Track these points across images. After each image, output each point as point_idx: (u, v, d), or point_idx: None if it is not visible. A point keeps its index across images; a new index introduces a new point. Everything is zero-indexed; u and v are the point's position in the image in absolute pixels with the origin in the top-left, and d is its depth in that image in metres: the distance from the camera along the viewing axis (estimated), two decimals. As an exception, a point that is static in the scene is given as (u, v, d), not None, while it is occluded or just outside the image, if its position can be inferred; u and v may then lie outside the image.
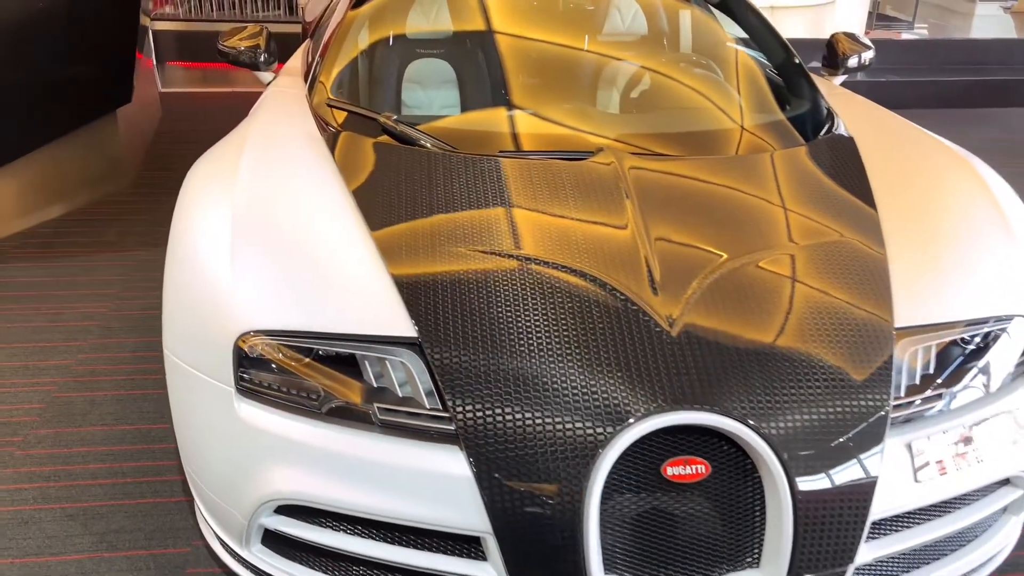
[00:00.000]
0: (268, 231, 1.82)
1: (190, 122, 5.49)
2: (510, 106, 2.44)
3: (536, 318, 1.62)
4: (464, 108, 2.52)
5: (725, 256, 1.79)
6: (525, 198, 1.93)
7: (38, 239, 3.65)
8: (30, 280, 3.27)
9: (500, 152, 2.15)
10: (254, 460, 1.65)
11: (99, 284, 3.26)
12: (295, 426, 1.61)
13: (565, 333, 1.59)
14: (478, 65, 2.61)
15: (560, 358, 1.55)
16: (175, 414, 1.84)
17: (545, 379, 1.52)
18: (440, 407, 1.55)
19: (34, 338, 2.87)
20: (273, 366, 1.64)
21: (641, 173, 2.03)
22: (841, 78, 2.93)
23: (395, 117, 2.25)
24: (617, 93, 2.62)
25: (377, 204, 1.89)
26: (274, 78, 2.80)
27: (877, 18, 8.82)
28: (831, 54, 2.90)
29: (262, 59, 2.72)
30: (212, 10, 6.79)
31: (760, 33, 2.81)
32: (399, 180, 1.98)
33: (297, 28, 6.61)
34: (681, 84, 2.68)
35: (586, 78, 2.65)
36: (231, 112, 6.21)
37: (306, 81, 2.65)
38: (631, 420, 1.46)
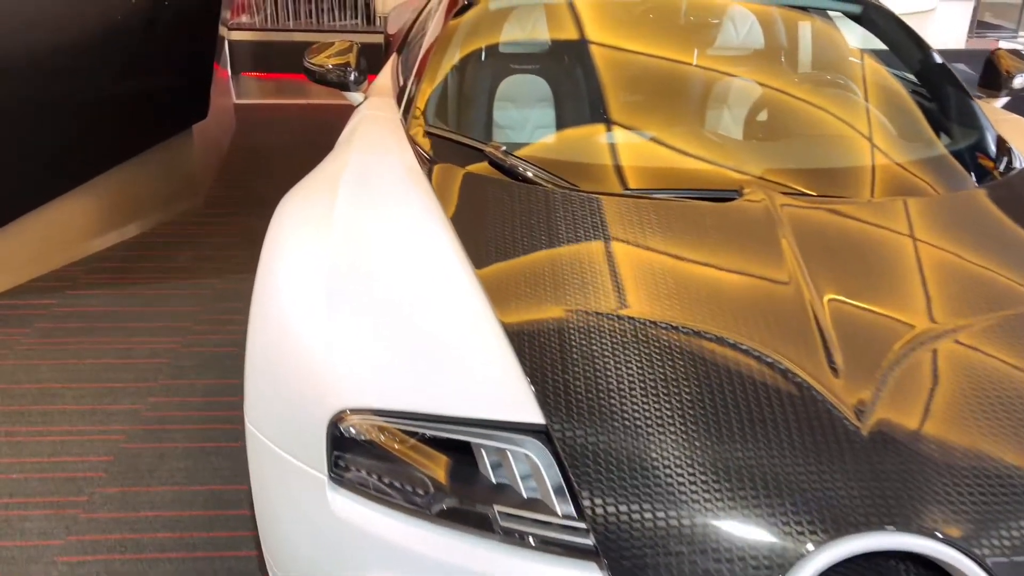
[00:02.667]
0: (369, 288, 1.56)
1: (264, 135, 5.34)
2: (633, 134, 2.15)
3: (691, 405, 1.32)
4: (582, 137, 2.23)
5: (916, 327, 1.47)
6: (666, 248, 1.65)
7: (110, 263, 3.49)
8: (101, 310, 3.10)
9: (627, 190, 1.86)
10: (348, 563, 1.40)
11: (170, 316, 3.07)
12: (399, 527, 1.35)
13: (728, 425, 1.29)
14: (594, 89, 2.33)
15: (723, 459, 1.25)
16: (256, 494, 1.59)
17: (704, 486, 1.23)
18: (574, 513, 1.27)
19: (104, 377, 2.68)
20: (375, 451, 1.38)
21: (797, 217, 1.73)
22: (1002, 100, 2.56)
23: (504, 148, 1.98)
24: (743, 119, 2.30)
25: (492, 256, 1.62)
26: (364, 99, 2.56)
27: (977, 26, 8.28)
28: (991, 72, 2.53)
29: (352, 78, 2.48)
30: (288, 19, 6.65)
31: (907, 48, 2.47)
32: (515, 227, 1.71)
33: (375, 39, 6.44)
34: (819, 108, 2.35)
35: (712, 101, 2.34)
36: (306, 125, 6.10)
37: (399, 103, 2.41)
38: (819, 542, 1.16)
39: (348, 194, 1.81)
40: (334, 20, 6.61)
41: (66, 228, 3.44)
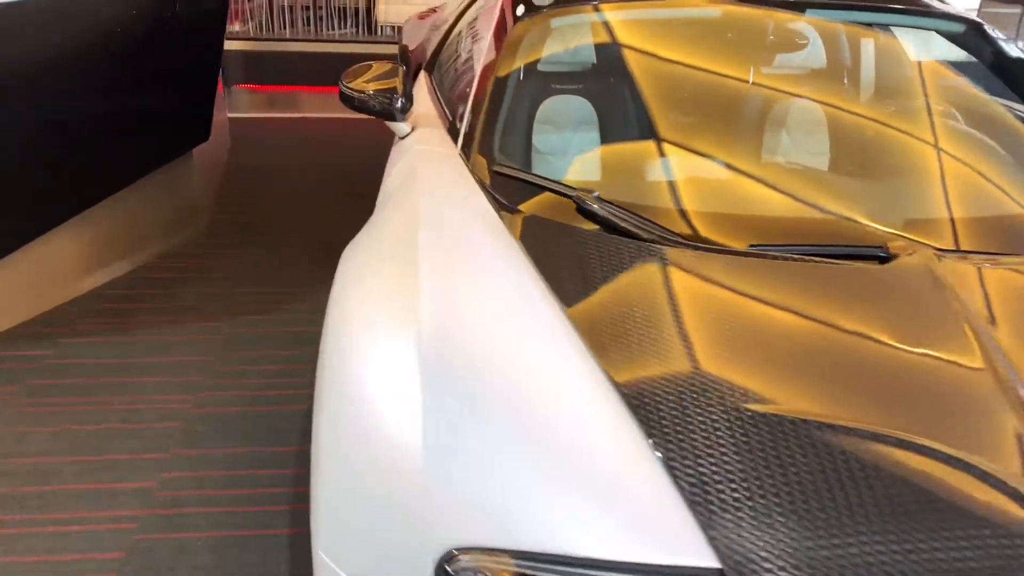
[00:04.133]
0: (477, 388, 1.25)
1: (262, 153, 5.00)
2: (748, 178, 1.87)
3: (904, 551, 1.04)
4: (686, 178, 1.93)
5: None
6: (822, 324, 1.37)
7: (107, 303, 3.14)
8: (100, 361, 2.76)
9: (752, 247, 1.58)
10: None
11: (179, 368, 2.73)
12: None
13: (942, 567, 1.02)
14: (693, 122, 2.04)
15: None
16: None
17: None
18: None
19: (108, 447, 2.34)
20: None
21: (967, 279, 1.46)
22: None
23: (595, 194, 1.69)
24: (861, 157, 2.02)
25: (616, 342, 1.33)
26: (411, 131, 2.25)
27: None
28: None
29: (399, 105, 2.16)
30: (284, 27, 6.31)
31: (1016, 72, 2.21)
32: (636, 301, 1.42)
33: (376, 49, 6.12)
34: (942, 148, 2.08)
35: (819, 137, 2.06)
36: (304, 141, 5.75)
37: (452, 135, 2.11)
38: None
39: (429, 259, 1.50)
40: (332, 29, 6.28)
41: (57, 263, 3.09)
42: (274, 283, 3.36)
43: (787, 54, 2.39)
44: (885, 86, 2.29)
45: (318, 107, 5.97)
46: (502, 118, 2.03)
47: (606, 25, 2.27)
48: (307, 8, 6.29)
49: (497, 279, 1.49)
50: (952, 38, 2.36)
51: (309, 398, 2.59)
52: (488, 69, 2.17)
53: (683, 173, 1.92)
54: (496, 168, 1.87)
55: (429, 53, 3.34)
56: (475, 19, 2.99)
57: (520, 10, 2.30)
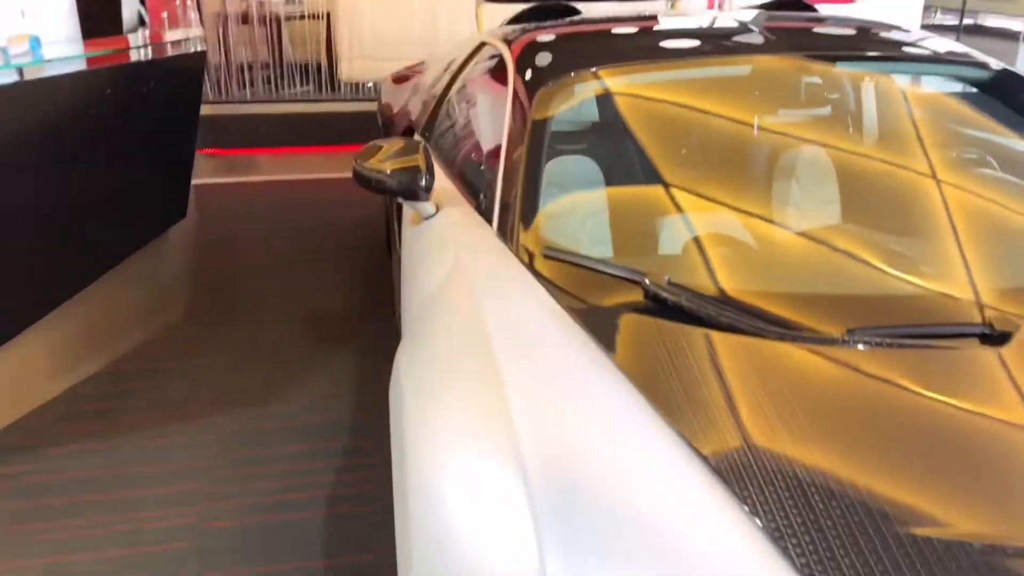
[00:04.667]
0: (594, 514, 1.09)
1: (231, 222, 4.77)
2: (827, 248, 1.74)
3: None
4: (766, 257, 1.79)
5: None
6: (963, 421, 1.24)
7: (89, 403, 2.88)
8: (87, 474, 2.50)
9: (851, 332, 1.44)
10: None
11: (176, 475, 2.49)
12: None
13: None
14: (756, 188, 1.92)
15: None
16: None
17: None
18: None
19: (109, 579, 2.09)
20: None
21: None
22: None
23: (668, 277, 1.55)
24: (929, 221, 1.92)
25: (728, 447, 1.18)
26: (436, 211, 2.08)
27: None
28: None
29: (423, 184, 1.99)
30: (244, 88, 6.11)
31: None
32: (739, 402, 1.27)
33: (339, 107, 5.95)
34: (1000, 204, 1.99)
35: (902, 202, 1.94)
36: (272, 206, 5.53)
37: (484, 213, 1.95)
38: None
39: (512, 373, 1.33)
40: (293, 87, 6.10)
41: (29, 363, 2.83)
42: (266, 367, 3.14)
43: (822, 108, 2.29)
44: (936, 142, 2.20)
45: (283, 169, 5.78)
46: (540, 194, 1.88)
47: (636, 88, 2.15)
48: (266, 66, 6.11)
49: (588, 391, 1.33)
50: (979, 84, 2.29)
51: (330, 501, 2.37)
52: (514, 141, 2.02)
53: (763, 248, 1.79)
54: (547, 253, 1.72)
55: (419, 117, 3.20)
56: (469, 82, 2.86)
57: (531, 75, 2.17)
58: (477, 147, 2.35)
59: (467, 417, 1.28)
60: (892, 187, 2.01)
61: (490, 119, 2.40)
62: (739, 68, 2.23)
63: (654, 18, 2.79)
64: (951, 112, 2.32)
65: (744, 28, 2.40)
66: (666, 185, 1.96)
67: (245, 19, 5.96)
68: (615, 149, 2.09)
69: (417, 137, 2.93)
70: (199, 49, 3.17)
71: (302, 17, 6.00)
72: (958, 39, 8.61)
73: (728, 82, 2.22)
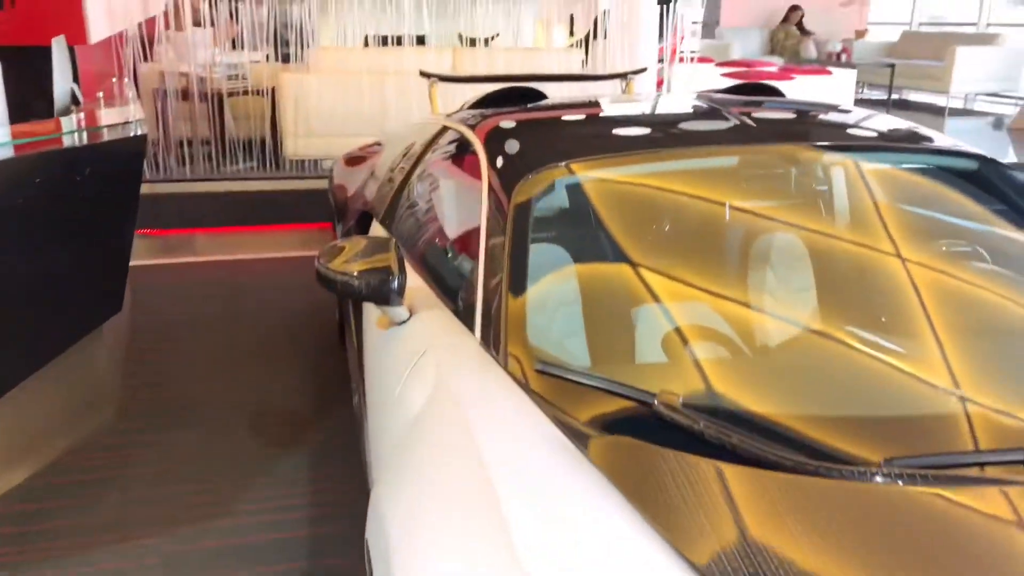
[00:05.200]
0: None
1: (168, 307, 4.49)
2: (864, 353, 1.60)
3: None
4: (785, 365, 1.64)
5: None
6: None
7: (6, 526, 2.56)
8: (2, 616, 2.19)
9: (888, 461, 1.29)
10: None
11: (110, 613, 2.19)
12: None
13: None
14: (759, 288, 1.78)
15: None
16: None
17: None
18: None
19: None
20: None
21: None
22: None
23: (679, 399, 1.40)
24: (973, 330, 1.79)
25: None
26: (410, 316, 1.89)
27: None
28: None
29: (395, 287, 1.80)
30: (184, 164, 5.87)
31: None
32: (771, 552, 1.10)
33: (284, 185, 5.75)
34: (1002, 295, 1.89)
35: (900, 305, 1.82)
36: (211, 289, 5.24)
37: (463, 317, 1.78)
38: None
39: (515, 514, 1.15)
40: (236, 164, 5.88)
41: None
42: (212, 476, 2.86)
43: (813, 198, 2.20)
44: (936, 236, 2.11)
45: (226, 249, 5.52)
46: (526, 299, 1.72)
47: (622, 181, 2.02)
48: (207, 142, 5.89)
49: (602, 535, 1.15)
50: (966, 175, 2.23)
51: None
52: (492, 239, 1.86)
53: (776, 357, 1.64)
54: (541, 368, 1.54)
55: (377, 202, 3.03)
56: (433, 169, 2.71)
57: (506, 167, 2.03)
58: (449, 243, 2.18)
59: (472, 571, 1.10)
60: (901, 284, 1.90)
61: (462, 212, 2.24)
62: (726, 159, 2.13)
63: (626, 103, 2.70)
64: (948, 203, 2.25)
65: (720, 114, 2.32)
66: (665, 285, 1.82)
67: (185, 95, 5.76)
68: (604, 248, 1.96)
69: (381, 231, 2.75)
70: (139, 132, 2.96)
71: (245, 92, 5.83)
72: (887, 112, 8.86)
73: (718, 173, 2.11)
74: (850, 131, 2.26)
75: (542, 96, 2.97)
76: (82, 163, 2.67)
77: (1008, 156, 7.95)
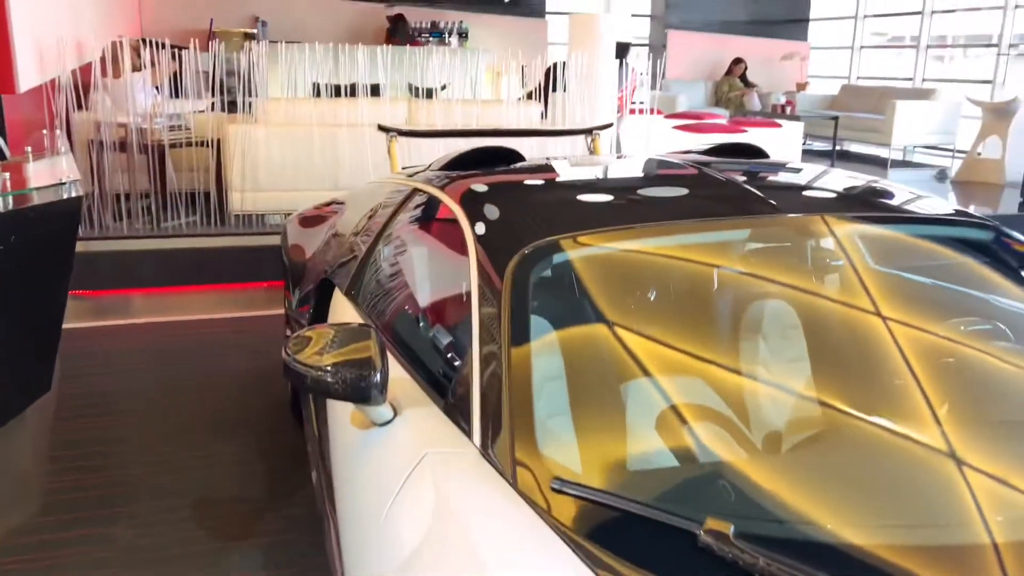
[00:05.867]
0: None
1: (100, 377, 4.11)
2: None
3: None
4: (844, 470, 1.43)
5: None
6: None
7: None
8: None
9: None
10: None
11: None
12: None
13: None
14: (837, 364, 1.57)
15: None
16: None
17: None
18: None
19: None
20: None
21: None
22: None
23: (734, 529, 1.18)
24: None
25: None
26: (395, 416, 1.64)
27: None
28: None
29: (376, 383, 1.54)
30: (122, 220, 5.51)
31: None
32: None
33: (229, 242, 5.43)
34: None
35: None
36: (149, 355, 4.85)
37: (456, 418, 1.53)
38: None
39: None
40: (177, 218, 5.55)
41: None
42: (150, 583, 2.52)
43: (833, 272, 2.02)
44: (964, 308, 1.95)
45: (165, 310, 5.16)
46: (532, 398, 1.49)
47: (629, 255, 1.81)
48: (146, 196, 5.55)
49: None
50: (977, 246, 2.09)
51: None
52: (485, 325, 1.63)
53: (840, 470, 1.42)
54: (558, 487, 1.31)
55: (339, 270, 2.77)
56: (404, 238, 2.48)
57: (496, 241, 1.81)
58: (432, 326, 1.94)
59: None
60: (932, 366, 1.73)
61: (445, 291, 2.01)
62: (737, 232, 1.95)
63: (618, 165, 2.52)
64: (969, 275, 2.10)
65: (717, 181, 2.15)
66: (698, 375, 1.61)
67: (123, 146, 5.43)
68: (615, 334, 1.74)
69: (346, 304, 2.49)
70: (74, 194, 2.67)
71: (189, 144, 5.52)
72: (832, 165, 8.99)
73: (729, 247, 1.93)
74: (860, 200, 2.11)
75: (519, 156, 2.77)
76: (6, 230, 2.36)
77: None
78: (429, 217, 2.33)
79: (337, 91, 5.78)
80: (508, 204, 2.02)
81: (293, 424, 3.59)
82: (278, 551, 2.69)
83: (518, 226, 1.86)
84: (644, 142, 6.87)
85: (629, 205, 2.02)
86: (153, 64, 5.31)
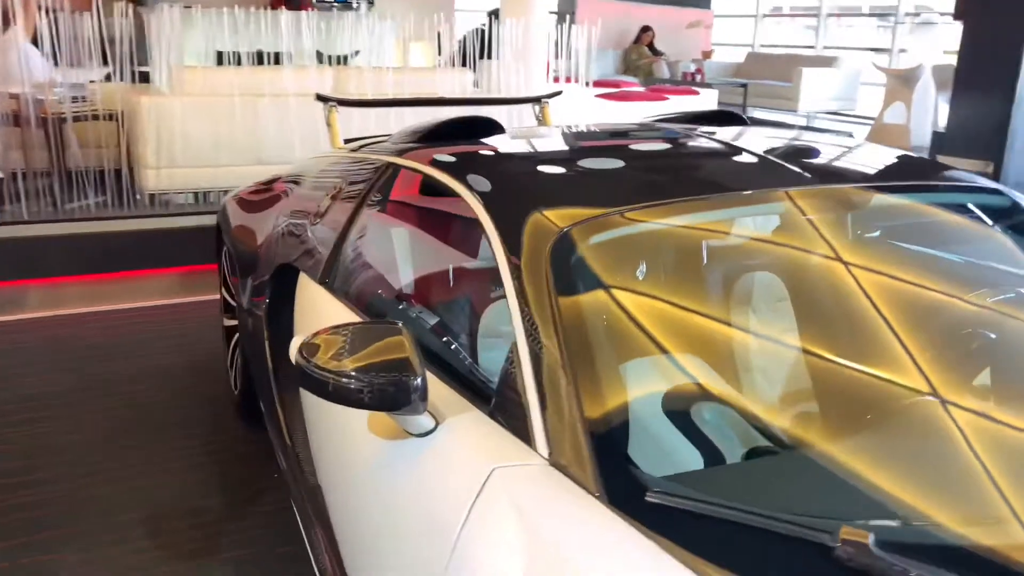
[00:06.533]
0: None
1: (17, 379, 3.70)
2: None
3: None
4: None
5: None
6: None
7: None
8: None
9: None
10: None
11: None
12: None
13: None
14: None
15: None
16: None
17: None
18: None
19: None
20: None
21: None
22: None
23: (875, 539, 1.05)
24: None
25: None
26: (436, 425, 1.43)
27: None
28: None
29: (417, 387, 1.33)
30: (19, 202, 4.97)
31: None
32: None
33: (142, 225, 4.98)
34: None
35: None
36: (59, 353, 4.41)
37: (507, 423, 1.36)
38: None
39: None
40: (83, 199, 5.06)
41: None
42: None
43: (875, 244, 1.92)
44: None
45: (75, 301, 4.70)
46: (605, 397, 1.32)
47: (671, 231, 1.66)
48: (47, 175, 5.03)
49: None
50: (996, 211, 2.04)
51: None
52: (529, 320, 1.45)
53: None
54: (657, 499, 1.14)
55: (304, 255, 2.51)
56: (394, 219, 2.26)
57: (513, 215, 1.63)
58: (455, 319, 1.74)
59: None
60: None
61: (463, 279, 1.81)
62: (770, 205, 1.82)
63: (624, 134, 2.35)
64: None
65: (733, 150, 2.02)
66: (762, 352, 1.47)
67: (16, 120, 4.90)
68: (674, 315, 1.58)
69: (322, 292, 2.25)
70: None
71: (95, 117, 5.03)
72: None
73: (763, 221, 1.80)
74: (896, 170, 2.01)
75: (499, 127, 2.57)
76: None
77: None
78: (424, 196, 2.12)
79: (239, 60, 5.38)
80: (523, 179, 1.83)
81: (238, 424, 3.31)
82: (250, 568, 2.44)
83: (545, 203, 1.67)
84: (571, 112, 6.73)
85: (664, 178, 1.86)
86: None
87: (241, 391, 3.26)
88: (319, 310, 2.22)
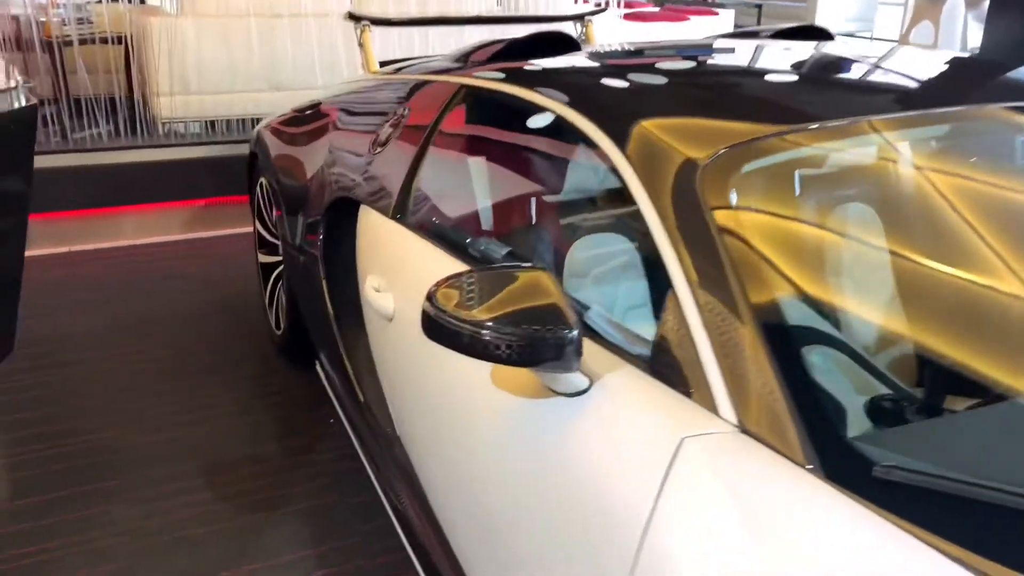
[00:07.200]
0: None
1: (42, 319, 3.51)
2: None
3: None
4: None
5: None
6: None
7: None
8: None
9: None
10: None
11: None
12: None
13: None
14: None
15: None
16: None
17: None
18: None
19: None
20: None
21: None
22: None
23: None
24: None
25: None
26: (591, 383, 1.25)
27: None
28: None
29: (572, 339, 1.13)
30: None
31: None
32: None
33: (160, 155, 4.70)
34: None
35: None
36: (82, 291, 4.19)
37: (672, 381, 1.19)
38: None
39: None
40: (94, 127, 4.78)
41: None
42: (131, 555, 2.10)
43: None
44: None
45: (91, 236, 4.48)
46: (801, 353, 1.14)
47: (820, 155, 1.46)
48: (54, 101, 4.74)
49: None
50: None
51: None
52: (687, 262, 1.26)
53: None
54: (886, 474, 0.98)
55: (370, 188, 2.30)
56: (483, 152, 2.04)
57: (650, 144, 1.43)
58: (590, 262, 1.55)
59: None
60: None
61: (593, 216, 1.61)
62: (930, 128, 1.62)
63: (731, 51, 2.12)
64: None
65: (858, 66, 1.81)
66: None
67: (18, 43, 4.58)
68: (866, 255, 1.40)
69: (395, 228, 2.05)
70: (26, 102, 2.06)
71: (104, 41, 4.71)
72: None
73: (925, 145, 1.60)
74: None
75: (575, 44, 2.34)
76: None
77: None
78: (516, 121, 1.90)
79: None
80: (655, 101, 1.62)
81: (281, 365, 3.15)
82: (322, 518, 2.30)
83: (689, 132, 1.46)
84: (605, 33, 6.43)
85: (809, 97, 1.65)
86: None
87: (285, 332, 3.09)
88: (394, 246, 2.03)
